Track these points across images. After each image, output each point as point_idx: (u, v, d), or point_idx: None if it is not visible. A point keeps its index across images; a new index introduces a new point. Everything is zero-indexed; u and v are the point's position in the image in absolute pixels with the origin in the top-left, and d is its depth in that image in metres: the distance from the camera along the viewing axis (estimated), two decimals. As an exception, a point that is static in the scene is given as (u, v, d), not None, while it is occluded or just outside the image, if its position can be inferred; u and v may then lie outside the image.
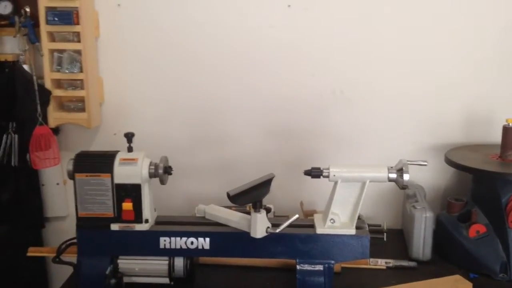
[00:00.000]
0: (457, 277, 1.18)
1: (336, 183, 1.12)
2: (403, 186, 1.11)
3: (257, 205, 1.08)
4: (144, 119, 1.56)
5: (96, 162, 1.11)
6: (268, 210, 1.46)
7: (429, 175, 1.53)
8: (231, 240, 1.12)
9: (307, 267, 1.11)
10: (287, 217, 1.12)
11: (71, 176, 1.12)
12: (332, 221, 1.13)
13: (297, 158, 1.54)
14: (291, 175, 1.44)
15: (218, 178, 1.57)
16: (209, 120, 1.56)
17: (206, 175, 1.57)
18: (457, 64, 1.46)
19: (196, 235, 1.11)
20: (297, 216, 1.13)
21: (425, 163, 1.13)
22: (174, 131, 1.56)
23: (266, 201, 1.54)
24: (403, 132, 1.52)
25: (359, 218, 1.46)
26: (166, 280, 1.16)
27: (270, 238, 1.10)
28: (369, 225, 1.44)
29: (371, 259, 1.31)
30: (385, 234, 1.40)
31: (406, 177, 1.10)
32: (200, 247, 1.11)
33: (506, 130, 1.30)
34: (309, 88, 1.51)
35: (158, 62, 1.52)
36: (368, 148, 1.53)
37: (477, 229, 1.26)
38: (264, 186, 1.09)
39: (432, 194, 1.53)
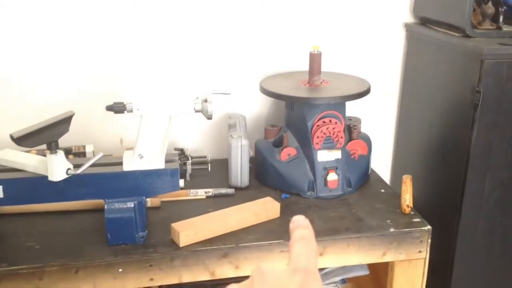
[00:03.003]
0: (267, 198, 1.24)
1: (141, 117, 1.09)
2: (209, 116, 1.11)
3: (53, 146, 1.00)
4: None
5: None
6: (182, 152, 1.39)
7: (250, 105, 1.57)
8: (28, 186, 1.03)
9: (116, 205, 1.07)
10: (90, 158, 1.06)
11: None
12: (140, 156, 1.10)
13: (116, 94, 1.46)
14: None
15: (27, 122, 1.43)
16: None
17: (11, 119, 1.42)
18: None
19: (-15, 184, 1.01)
20: (101, 154, 1.07)
21: (228, 93, 1.14)
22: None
23: (88, 140, 1.47)
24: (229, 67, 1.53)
25: (181, 151, 1.47)
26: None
27: (73, 180, 1.04)
28: (194, 157, 1.46)
29: (192, 190, 1.32)
30: (209, 164, 1.43)
31: (210, 107, 1.10)
32: (-8, 196, 1.02)
33: (312, 56, 1.36)
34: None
35: None
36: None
37: (288, 152, 1.33)
38: (59, 124, 1.00)
39: (254, 123, 1.58)
